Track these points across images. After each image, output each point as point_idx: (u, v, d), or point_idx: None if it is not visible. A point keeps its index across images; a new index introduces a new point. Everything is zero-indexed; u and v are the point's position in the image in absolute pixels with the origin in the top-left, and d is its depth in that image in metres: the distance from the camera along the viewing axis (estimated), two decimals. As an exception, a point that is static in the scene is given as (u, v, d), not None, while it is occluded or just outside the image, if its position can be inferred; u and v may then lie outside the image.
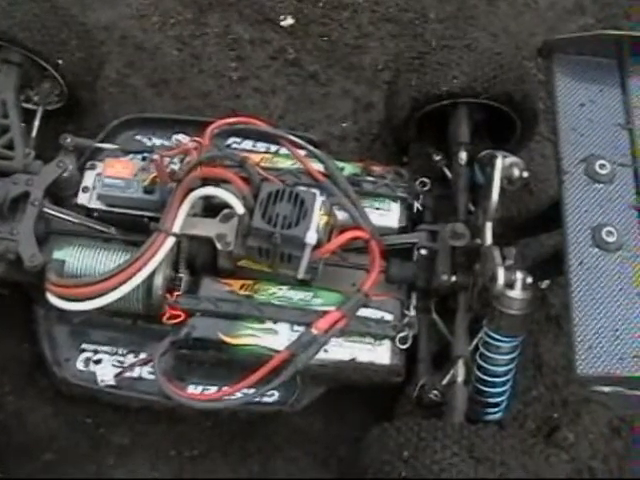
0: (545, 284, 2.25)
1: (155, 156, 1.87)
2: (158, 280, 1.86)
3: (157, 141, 2.15)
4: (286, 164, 2.03)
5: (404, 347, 1.87)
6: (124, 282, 1.77)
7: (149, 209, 1.95)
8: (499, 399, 1.80)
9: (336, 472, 2.07)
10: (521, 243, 2.12)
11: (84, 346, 1.96)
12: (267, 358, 1.77)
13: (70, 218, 1.97)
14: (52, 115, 2.23)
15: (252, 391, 1.79)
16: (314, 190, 1.91)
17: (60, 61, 2.09)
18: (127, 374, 1.93)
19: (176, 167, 1.90)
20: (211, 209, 1.94)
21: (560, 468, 2.09)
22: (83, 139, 2.04)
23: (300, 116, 2.55)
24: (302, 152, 2.04)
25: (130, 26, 2.68)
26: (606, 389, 1.51)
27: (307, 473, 2.07)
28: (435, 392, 1.80)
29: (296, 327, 1.84)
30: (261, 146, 2.14)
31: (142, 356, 1.95)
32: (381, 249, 1.91)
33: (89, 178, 2.02)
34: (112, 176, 1.95)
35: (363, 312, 1.87)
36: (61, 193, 2.01)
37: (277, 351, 1.79)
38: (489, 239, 1.78)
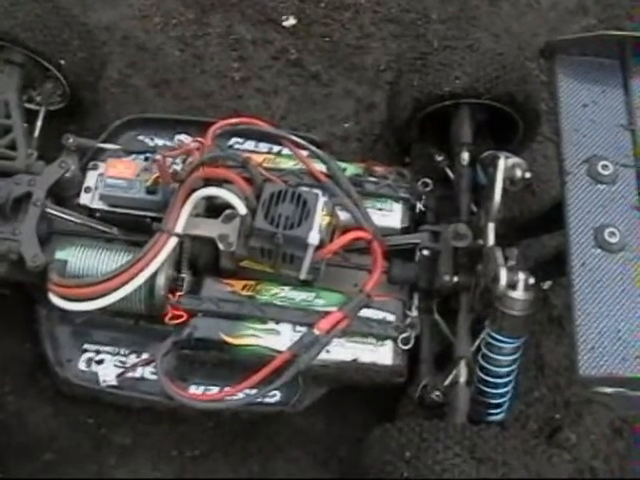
0: (547, 285, 2.25)
1: (157, 156, 1.88)
2: (160, 280, 1.86)
3: (159, 141, 2.16)
4: (288, 164, 2.03)
5: (406, 348, 1.86)
6: (126, 282, 1.78)
7: (151, 209, 1.95)
8: (501, 400, 1.79)
9: (338, 472, 2.07)
10: (523, 244, 2.12)
11: (86, 346, 1.96)
12: (269, 358, 1.77)
13: (72, 218, 1.97)
14: (54, 115, 2.23)
15: (254, 391, 1.79)
16: (316, 191, 1.91)
17: (62, 61, 2.09)
18: (129, 374, 1.93)
19: (178, 167, 1.90)
20: (213, 209, 1.94)
21: (562, 468, 2.09)
22: (85, 139, 2.03)
23: (302, 116, 2.55)
24: (304, 152, 2.04)
25: (132, 26, 2.68)
26: (608, 390, 1.51)
27: (308, 473, 2.07)
28: (437, 393, 1.79)
29: (298, 327, 1.84)
30: (263, 146, 2.14)
31: (144, 356, 1.95)
32: (383, 250, 1.91)
33: (91, 178, 2.02)
34: (114, 176, 1.95)
35: (365, 313, 1.87)
36: (63, 193, 2.01)
37: (279, 352, 1.79)
38: (491, 240, 1.78)
